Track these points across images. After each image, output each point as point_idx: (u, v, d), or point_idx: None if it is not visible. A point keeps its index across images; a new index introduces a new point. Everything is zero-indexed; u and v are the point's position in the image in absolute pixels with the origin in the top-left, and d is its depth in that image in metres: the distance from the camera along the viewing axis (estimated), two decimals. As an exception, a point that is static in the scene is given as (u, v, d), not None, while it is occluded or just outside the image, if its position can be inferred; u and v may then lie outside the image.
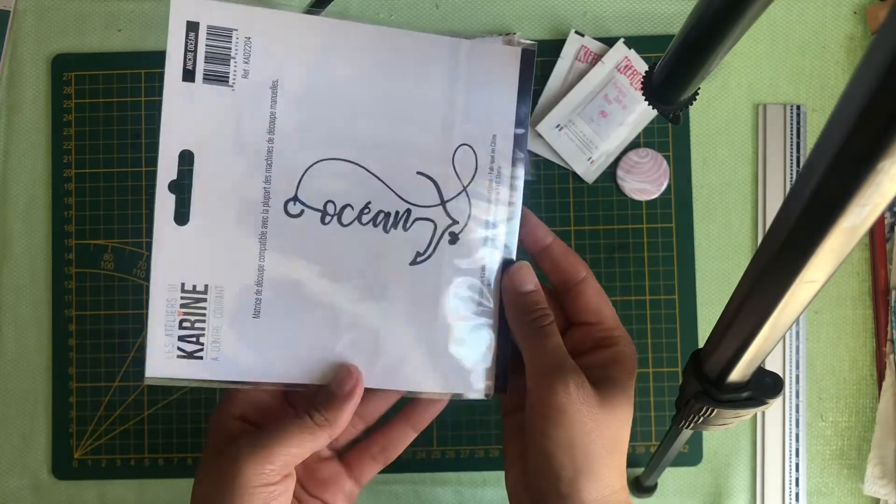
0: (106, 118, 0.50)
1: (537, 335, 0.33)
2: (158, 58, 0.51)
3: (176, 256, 0.32)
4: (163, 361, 0.33)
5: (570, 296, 0.35)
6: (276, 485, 0.32)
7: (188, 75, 0.32)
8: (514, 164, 0.35)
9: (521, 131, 0.35)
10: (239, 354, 0.33)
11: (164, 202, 0.32)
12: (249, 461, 0.31)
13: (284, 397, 0.36)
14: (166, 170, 0.32)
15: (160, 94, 0.50)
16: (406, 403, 0.37)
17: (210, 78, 0.32)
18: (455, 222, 0.34)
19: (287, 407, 0.35)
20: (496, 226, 0.35)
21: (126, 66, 0.50)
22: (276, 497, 0.32)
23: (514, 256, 0.35)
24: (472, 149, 0.34)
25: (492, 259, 0.35)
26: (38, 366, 0.50)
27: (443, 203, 0.34)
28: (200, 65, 0.32)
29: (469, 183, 0.34)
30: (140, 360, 0.49)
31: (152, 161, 0.50)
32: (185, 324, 0.33)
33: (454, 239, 0.34)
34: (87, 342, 0.50)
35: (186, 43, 0.32)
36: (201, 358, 0.33)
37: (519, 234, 0.35)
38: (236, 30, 0.32)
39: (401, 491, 0.50)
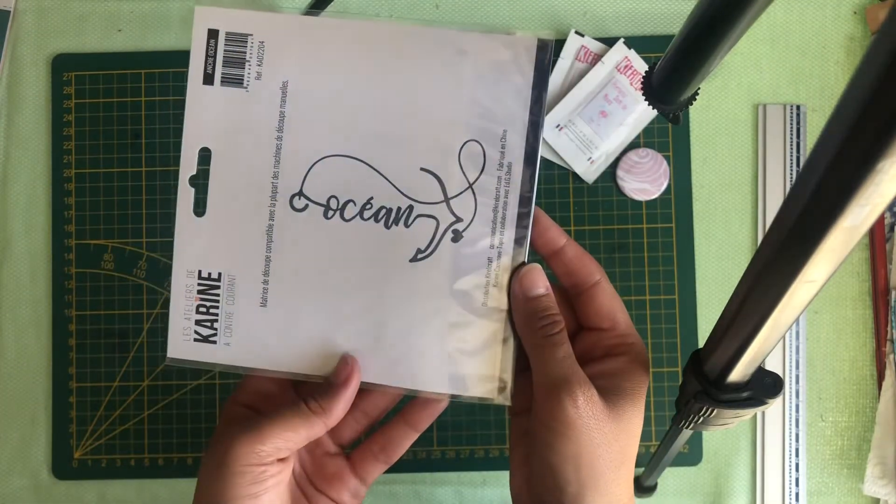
0: (106, 118, 0.50)
1: (546, 344, 0.32)
2: (158, 58, 0.51)
3: (194, 245, 0.35)
4: (181, 343, 0.35)
5: (583, 299, 0.34)
6: (266, 466, 0.32)
7: (208, 79, 0.34)
8: (527, 160, 0.34)
9: (536, 127, 0.34)
10: (248, 341, 0.35)
11: (185, 195, 0.34)
12: (243, 441, 0.32)
13: (294, 388, 0.36)
14: (187, 166, 0.34)
15: (160, 94, 0.51)
16: (405, 403, 0.37)
17: (227, 81, 0.34)
18: (459, 220, 0.34)
19: (293, 396, 0.36)
20: (505, 224, 0.34)
21: (126, 66, 0.50)
22: (266, 479, 0.32)
23: (525, 257, 0.34)
24: (481, 144, 0.34)
25: (499, 258, 0.34)
26: (38, 366, 0.50)
27: (446, 200, 0.34)
28: (219, 69, 0.34)
29: (476, 180, 0.34)
30: (140, 361, 0.50)
31: (152, 161, 0.50)
32: (201, 309, 0.35)
33: (457, 237, 0.34)
34: (87, 342, 0.50)
35: (207, 49, 0.34)
36: (215, 342, 0.35)
37: (530, 235, 0.34)
38: (251, 35, 0.34)
39: (401, 491, 0.50)
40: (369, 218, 0.34)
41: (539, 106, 0.34)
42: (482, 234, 0.34)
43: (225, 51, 0.34)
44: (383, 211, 0.34)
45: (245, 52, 0.34)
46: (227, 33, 0.34)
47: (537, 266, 0.34)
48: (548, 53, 0.33)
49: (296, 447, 0.33)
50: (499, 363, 0.34)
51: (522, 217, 0.34)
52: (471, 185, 0.34)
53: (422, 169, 0.34)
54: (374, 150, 0.34)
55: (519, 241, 0.34)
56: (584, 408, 0.30)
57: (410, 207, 0.34)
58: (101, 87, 0.50)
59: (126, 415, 0.49)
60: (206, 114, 0.34)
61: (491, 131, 0.34)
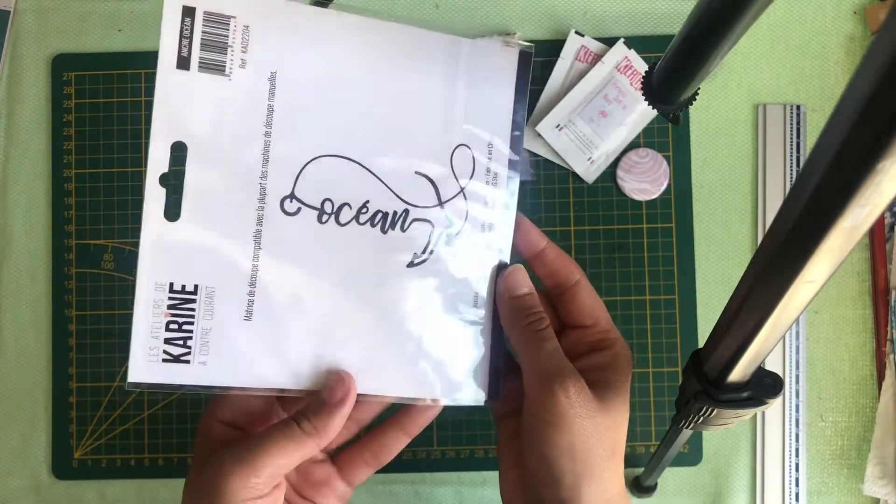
0: (106, 118, 0.50)
1: (534, 339, 0.33)
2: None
3: (165, 254, 0.31)
4: (147, 365, 0.31)
5: (565, 298, 0.35)
6: (264, 497, 0.31)
7: (182, 63, 0.30)
8: (510, 166, 0.34)
9: (517, 134, 0.34)
10: (228, 358, 0.32)
11: (154, 196, 0.30)
12: (235, 474, 0.30)
13: (277, 401, 0.35)
14: (157, 162, 0.30)
15: (160, 93, 0.51)
16: (399, 409, 0.37)
17: (205, 66, 0.31)
18: (452, 224, 0.34)
19: (278, 411, 0.35)
20: (492, 228, 0.34)
21: (126, 66, 0.50)
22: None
23: (508, 260, 0.35)
24: (470, 149, 0.34)
25: (487, 262, 0.34)
26: (38, 366, 0.50)
27: (441, 204, 0.33)
28: (196, 52, 0.30)
29: (467, 184, 0.34)
30: (140, 360, 0.50)
31: (152, 161, 0.50)
32: (171, 326, 0.31)
33: (451, 241, 0.34)
34: (87, 342, 0.50)
35: (182, 29, 0.30)
36: (188, 362, 0.31)
37: (513, 238, 0.35)
38: (234, 17, 0.31)
39: (401, 491, 0.50)
40: (366, 222, 0.33)
41: (521, 112, 0.34)
42: (472, 237, 0.34)
43: (203, 32, 0.30)
44: (380, 215, 0.33)
45: (227, 36, 0.31)
46: (206, 13, 0.30)
47: (520, 266, 0.34)
48: (529, 62, 0.34)
49: (289, 470, 0.32)
50: (488, 365, 0.34)
51: (507, 220, 0.34)
52: (462, 190, 0.34)
53: (416, 172, 0.33)
54: (370, 152, 0.33)
55: (504, 244, 0.34)
56: (576, 398, 0.31)
57: (406, 211, 0.33)
58: (101, 87, 0.50)
59: (126, 415, 0.49)
60: (180, 103, 0.30)
61: (479, 137, 0.34)
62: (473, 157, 0.34)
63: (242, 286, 0.32)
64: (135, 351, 0.31)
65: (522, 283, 0.34)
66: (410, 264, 0.33)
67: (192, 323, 0.31)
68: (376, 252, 0.33)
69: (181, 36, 0.30)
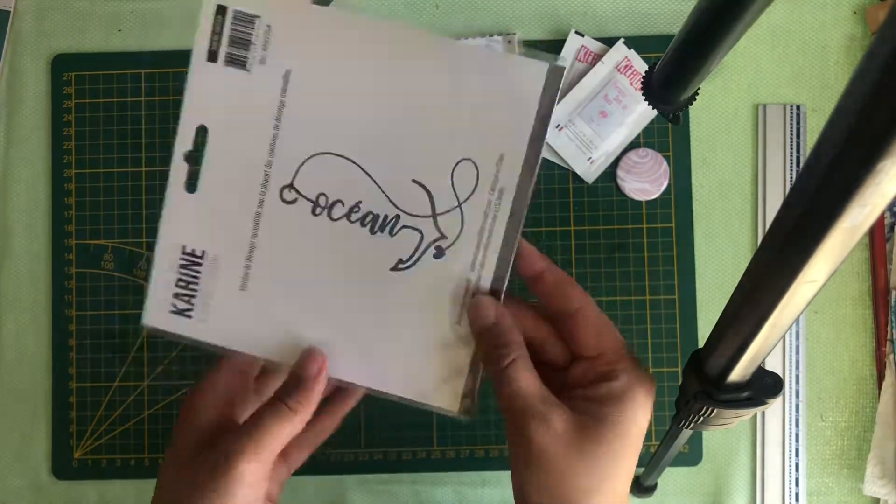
0: (106, 118, 0.50)
1: (500, 376, 0.32)
2: (158, 58, 0.51)
3: (182, 220, 0.35)
4: (158, 312, 0.35)
5: (566, 327, 0.34)
6: (265, 478, 0.33)
7: (212, 56, 0.33)
8: (519, 187, 0.33)
9: (534, 156, 0.33)
10: (223, 321, 0.35)
11: (179, 170, 0.34)
12: (243, 458, 0.32)
13: (255, 387, 0.38)
14: (183, 141, 0.34)
15: (160, 94, 0.51)
16: (330, 395, 0.40)
17: (231, 61, 0.34)
18: (443, 237, 0.34)
19: (251, 396, 0.37)
20: (488, 248, 0.34)
21: (126, 66, 0.50)
22: (266, 482, 0.33)
23: (504, 284, 0.34)
24: (475, 164, 0.33)
25: (478, 281, 0.34)
26: (38, 366, 0.50)
27: (433, 215, 0.34)
28: (224, 48, 0.33)
29: (465, 200, 0.33)
30: (140, 361, 0.50)
31: (152, 161, 0.50)
32: (180, 283, 0.35)
33: (440, 253, 0.34)
34: (87, 342, 0.50)
35: (214, 25, 0.33)
36: (190, 317, 0.35)
37: (513, 261, 0.34)
38: (259, 17, 0.33)
39: (401, 491, 0.50)
40: (356, 221, 0.34)
41: (542, 133, 0.33)
42: (465, 253, 0.34)
43: (232, 30, 0.33)
44: (370, 216, 0.34)
45: (251, 34, 0.33)
46: (236, 12, 0.33)
47: (488, 298, 0.33)
48: (558, 80, 0.32)
49: (281, 447, 0.34)
50: (464, 381, 0.35)
51: (507, 244, 0.34)
52: (460, 205, 0.34)
53: (413, 181, 0.34)
54: (370, 155, 0.34)
55: (500, 266, 0.34)
56: (543, 439, 0.30)
57: (397, 217, 0.34)
58: (101, 87, 0.50)
59: (126, 415, 0.49)
60: (207, 91, 0.34)
61: (488, 153, 0.33)
62: (477, 173, 0.33)
63: (241, 258, 0.35)
64: (151, 297, 0.35)
65: (485, 314, 0.33)
66: (394, 268, 0.34)
67: (197, 283, 0.35)
68: (361, 251, 0.34)
69: (213, 32, 0.33)
